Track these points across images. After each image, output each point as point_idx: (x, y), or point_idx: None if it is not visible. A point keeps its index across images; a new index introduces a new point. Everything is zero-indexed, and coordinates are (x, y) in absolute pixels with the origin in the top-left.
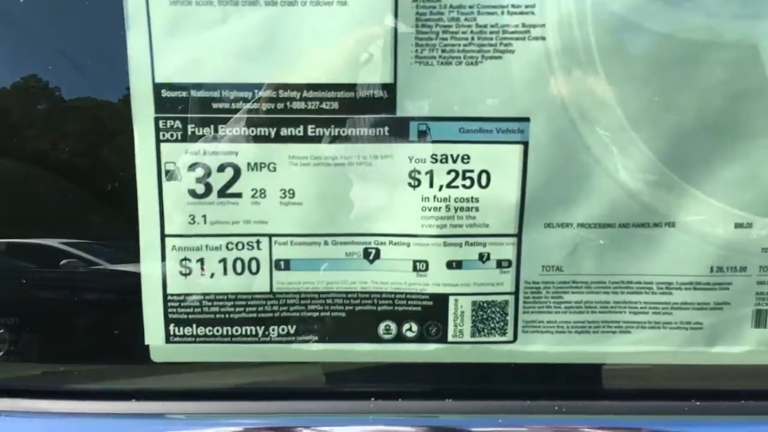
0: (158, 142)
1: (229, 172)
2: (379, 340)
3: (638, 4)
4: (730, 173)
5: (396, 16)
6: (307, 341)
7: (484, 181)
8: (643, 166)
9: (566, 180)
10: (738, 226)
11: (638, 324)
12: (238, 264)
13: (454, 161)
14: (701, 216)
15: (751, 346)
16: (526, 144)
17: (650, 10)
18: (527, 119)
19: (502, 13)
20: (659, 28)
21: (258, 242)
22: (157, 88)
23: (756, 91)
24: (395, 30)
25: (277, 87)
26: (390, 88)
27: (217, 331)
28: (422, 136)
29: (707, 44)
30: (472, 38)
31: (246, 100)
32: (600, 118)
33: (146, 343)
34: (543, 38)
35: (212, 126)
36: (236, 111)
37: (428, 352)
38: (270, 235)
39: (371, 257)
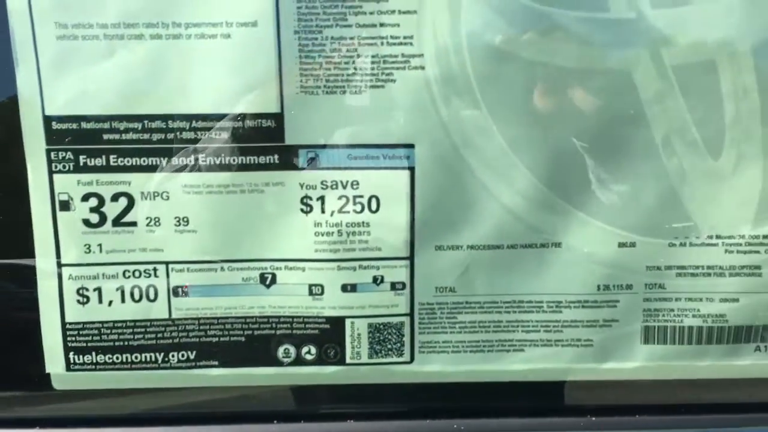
0: (51, 173)
1: (122, 202)
2: (279, 363)
3: (511, 34)
4: (611, 195)
5: (279, 48)
6: (208, 366)
7: (374, 206)
8: (526, 189)
9: (454, 204)
10: (622, 245)
11: (531, 342)
12: (136, 291)
13: (344, 187)
14: (586, 236)
15: (641, 362)
16: (412, 169)
17: (523, 40)
18: (412, 145)
19: (382, 44)
20: (533, 57)
21: (155, 270)
22: (48, 120)
23: (632, 116)
24: (279, 61)
25: (166, 117)
26: (278, 118)
27: (117, 358)
28: (312, 163)
29: (581, 72)
30: (355, 68)
31: (136, 131)
32: (481, 144)
33: (47, 371)
34: (422, 68)
35: (104, 156)
36: (127, 142)
37: (327, 374)
38: (167, 263)
39: (267, 282)
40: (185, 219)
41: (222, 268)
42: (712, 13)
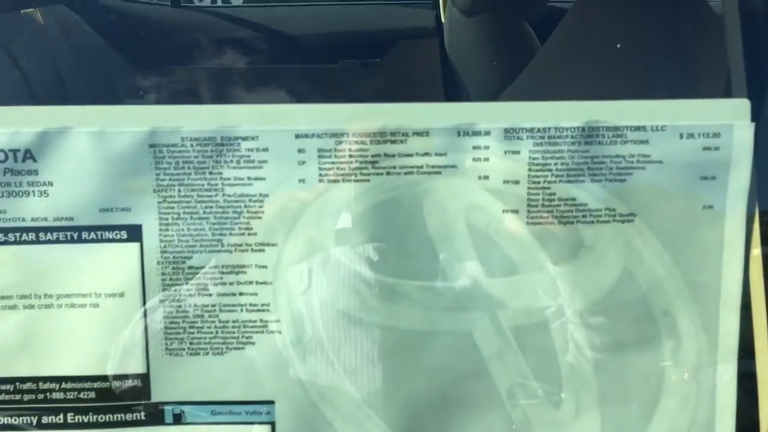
0: None
1: None
2: None
3: (361, 302)
4: None
5: (145, 315)
6: None
7: None
8: None
9: None
10: None
11: None
12: None
13: None
14: None
15: None
16: (273, 424)
17: (370, 307)
18: (272, 402)
19: (242, 310)
20: (381, 321)
21: None
22: None
23: (476, 371)
24: (145, 327)
25: (37, 380)
26: (144, 378)
27: None
28: (177, 419)
29: (426, 333)
30: (217, 332)
31: (8, 392)
32: (337, 399)
33: None
34: (279, 332)
35: None
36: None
37: None
38: None
39: None
40: None
41: None
42: (539, 282)
